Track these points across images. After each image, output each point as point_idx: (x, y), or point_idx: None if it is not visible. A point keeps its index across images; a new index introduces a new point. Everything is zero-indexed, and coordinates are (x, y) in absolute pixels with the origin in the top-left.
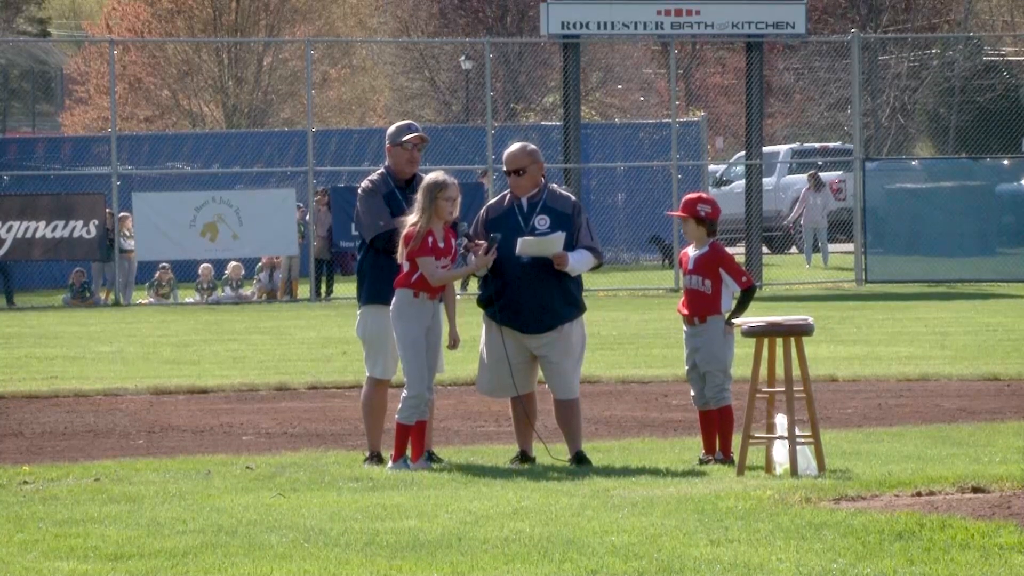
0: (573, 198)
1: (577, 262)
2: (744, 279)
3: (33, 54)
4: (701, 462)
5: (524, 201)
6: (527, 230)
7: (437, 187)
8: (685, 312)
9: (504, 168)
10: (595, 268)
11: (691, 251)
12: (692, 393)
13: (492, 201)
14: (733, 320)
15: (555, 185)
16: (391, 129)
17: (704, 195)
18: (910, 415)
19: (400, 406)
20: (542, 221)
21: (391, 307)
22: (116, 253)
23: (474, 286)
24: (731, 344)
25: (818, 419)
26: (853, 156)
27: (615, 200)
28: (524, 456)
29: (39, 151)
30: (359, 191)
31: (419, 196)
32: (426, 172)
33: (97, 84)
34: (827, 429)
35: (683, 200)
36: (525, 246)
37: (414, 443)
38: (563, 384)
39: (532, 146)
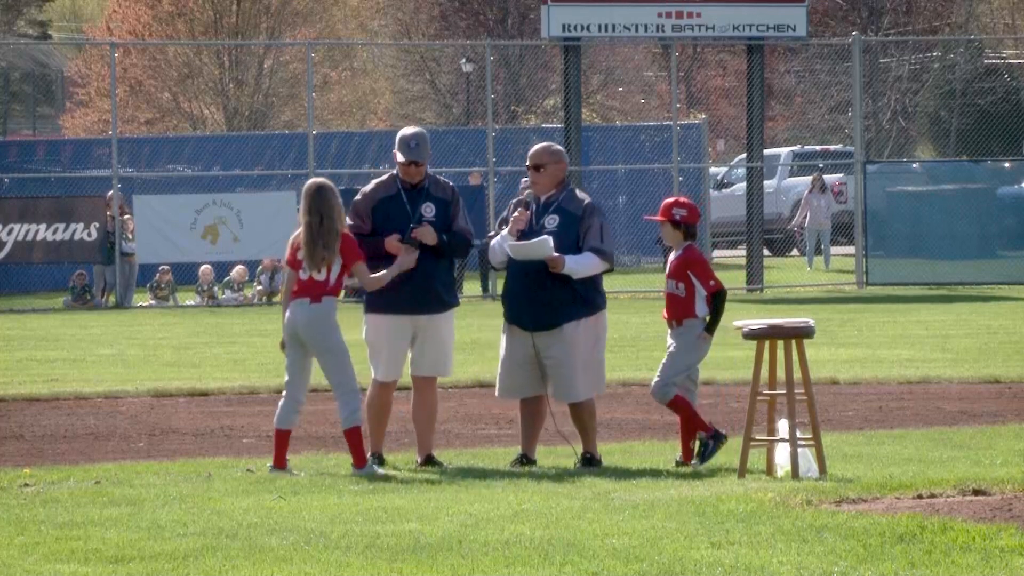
0: (588, 200)
1: (577, 264)
2: (712, 283)
3: (34, 57)
4: (677, 464)
5: (541, 200)
6: (536, 228)
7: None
8: (665, 316)
9: (526, 164)
10: (606, 271)
11: (672, 255)
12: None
13: (523, 195)
14: (713, 328)
15: (579, 189)
16: (397, 138)
17: (682, 199)
18: (911, 418)
19: (349, 409)
20: (551, 220)
21: (328, 316)
22: (117, 256)
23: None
24: (700, 348)
25: (819, 422)
26: (854, 159)
27: (616, 203)
28: (525, 458)
29: (40, 154)
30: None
31: (309, 205)
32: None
33: (98, 87)
34: (828, 432)
35: (662, 204)
36: (514, 250)
37: (357, 446)
38: (565, 386)
39: (557, 146)
